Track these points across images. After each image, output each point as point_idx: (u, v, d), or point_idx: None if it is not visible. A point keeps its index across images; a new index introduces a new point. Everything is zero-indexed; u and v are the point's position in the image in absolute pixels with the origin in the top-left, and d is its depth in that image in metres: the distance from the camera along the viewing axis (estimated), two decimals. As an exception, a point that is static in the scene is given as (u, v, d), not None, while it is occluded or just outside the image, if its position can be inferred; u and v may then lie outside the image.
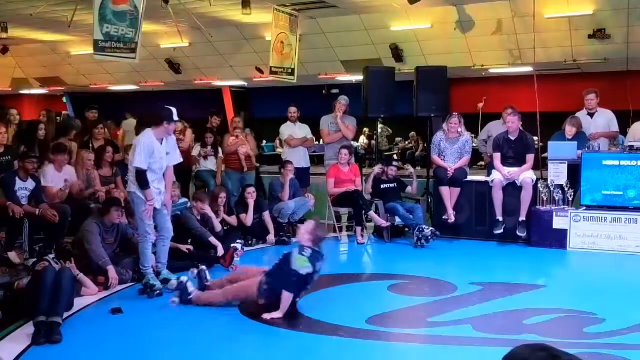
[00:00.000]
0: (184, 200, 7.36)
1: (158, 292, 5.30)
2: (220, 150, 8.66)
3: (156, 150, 5.31)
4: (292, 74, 11.08)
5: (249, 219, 7.38)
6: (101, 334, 4.45)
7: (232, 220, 7.31)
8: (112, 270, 5.51)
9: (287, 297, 4.65)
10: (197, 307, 5.09)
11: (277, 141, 16.90)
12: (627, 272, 6.24)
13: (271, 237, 7.50)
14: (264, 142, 18.22)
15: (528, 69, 12.23)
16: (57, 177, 6.81)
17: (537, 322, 4.61)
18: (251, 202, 7.39)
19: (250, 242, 7.35)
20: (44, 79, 18.65)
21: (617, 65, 12.74)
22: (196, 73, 16.50)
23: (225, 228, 7.09)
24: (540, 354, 1.09)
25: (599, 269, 6.46)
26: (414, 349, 4.22)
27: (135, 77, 17.29)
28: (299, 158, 8.68)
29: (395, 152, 18.16)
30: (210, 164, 8.60)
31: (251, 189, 7.52)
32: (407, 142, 18.64)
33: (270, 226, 7.56)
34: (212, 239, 6.36)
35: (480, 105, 10.64)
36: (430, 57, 12.67)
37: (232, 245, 6.35)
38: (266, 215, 7.58)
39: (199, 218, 6.57)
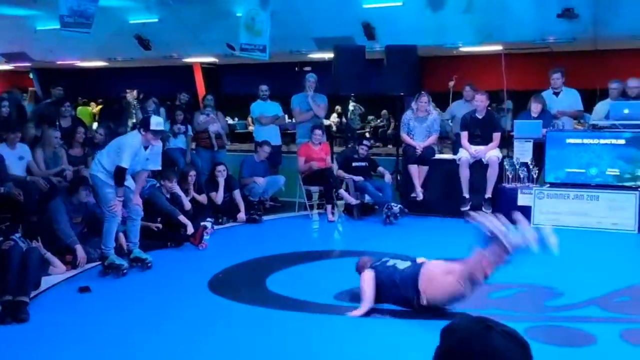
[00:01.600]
0: (153, 181, 7.33)
1: (124, 271, 5.31)
2: (190, 128, 8.61)
3: (138, 155, 5.35)
4: (264, 50, 10.98)
5: (219, 197, 7.39)
6: (69, 313, 4.46)
7: (202, 198, 7.31)
8: (80, 249, 5.50)
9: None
10: (165, 285, 5.13)
11: (249, 119, 16.82)
12: (588, 248, 6.42)
13: (242, 215, 7.52)
14: (236, 119, 18.11)
15: (498, 48, 12.31)
16: (11, 155, 6.72)
17: (500, 297, 4.74)
18: (221, 181, 7.39)
19: (220, 221, 7.37)
20: (9, 54, 18.15)
21: (584, 45, 12.90)
22: (166, 49, 16.23)
23: (196, 206, 7.08)
24: (476, 325, 1.15)
25: (561, 245, 6.61)
26: (379, 323, 4.31)
27: (104, 53, 16.93)
28: (271, 136, 8.68)
29: (368, 130, 18.22)
30: (179, 142, 8.55)
31: (221, 167, 7.52)
32: (379, 121, 18.70)
33: (241, 204, 7.58)
34: (182, 218, 6.37)
35: (451, 83, 10.69)
36: (402, 36, 12.64)
37: (202, 223, 6.37)
38: (236, 193, 7.60)
39: (168, 197, 6.56)
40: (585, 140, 7.25)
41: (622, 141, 7.06)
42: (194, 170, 7.35)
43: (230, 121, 16.65)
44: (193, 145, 8.85)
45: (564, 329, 4.07)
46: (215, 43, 14.86)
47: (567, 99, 8.07)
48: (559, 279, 5.07)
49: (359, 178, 7.90)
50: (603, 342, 3.81)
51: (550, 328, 4.10)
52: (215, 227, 7.01)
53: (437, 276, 4.17)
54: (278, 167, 8.85)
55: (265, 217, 7.85)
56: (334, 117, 18.26)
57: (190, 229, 6.31)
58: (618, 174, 7.07)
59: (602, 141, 7.15)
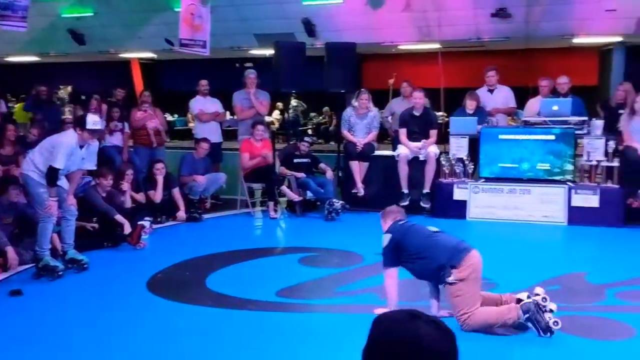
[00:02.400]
0: (88, 178, 7.12)
1: (60, 273, 5.15)
2: (126, 125, 8.41)
3: (74, 154, 5.19)
4: (204, 46, 10.84)
5: (157, 195, 7.26)
6: (-1, 317, 4.29)
7: (140, 197, 7.16)
8: (11, 251, 5.30)
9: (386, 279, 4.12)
10: (102, 287, 5.01)
11: (189, 115, 16.57)
12: (520, 240, 6.68)
13: (181, 214, 7.41)
14: (175, 116, 17.79)
15: (435, 46, 12.60)
16: None
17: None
18: (160, 178, 7.26)
19: (159, 220, 7.24)
20: None
21: (517, 44, 13.36)
22: (102, 44, 15.77)
23: (133, 205, 6.94)
24: (402, 315, 1.20)
25: (495, 237, 6.86)
26: (321, 318, 4.35)
27: (35, 48, 16.29)
28: (211, 133, 8.58)
29: (310, 127, 18.28)
30: (116, 140, 8.33)
31: (160, 165, 7.38)
32: (320, 118, 18.79)
33: (181, 203, 7.47)
34: (118, 217, 6.21)
35: (391, 81, 10.86)
36: (343, 33, 12.75)
37: (140, 222, 6.25)
38: (176, 191, 7.48)
39: (104, 195, 6.39)
40: (518, 136, 7.53)
41: (552, 137, 7.36)
42: (132, 168, 7.18)
43: (169, 118, 16.34)
44: (131, 143, 8.64)
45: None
46: (153, 38, 14.57)
47: (501, 96, 8.34)
48: (493, 270, 5.20)
49: (301, 175, 7.93)
50: (533, 331, 3.96)
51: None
52: (154, 226, 6.89)
53: (478, 279, 3.90)
54: (219, 164, 8.77)
55: (206, 216, 7.77)
56: (275, 114, 18.22)
57: (127, 229, 6.17)
58: (548, 168, 7.38)
59: (534, 137, 7.44)
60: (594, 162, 7.20)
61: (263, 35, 13.72)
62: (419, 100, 7.77)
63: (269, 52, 13.64)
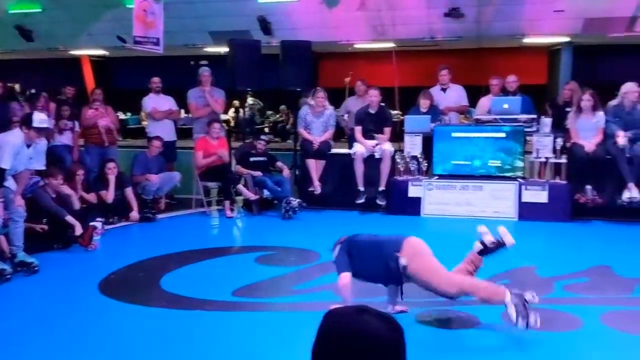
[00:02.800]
0: (36, 178, 6.91)
1: (7, 276, 4.99)
2: (77, 123, 8.20)
3: (21, 154, 5.04)
4: (157, 43, 10.66)
5: (109, 195, 7.11)
6: (-59, 324, 4.12)
7: (91, 197, 7.00)
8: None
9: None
10: (53, 290, 4.89)
11: (143, 113, 16.29)
12: (473, 235, 6.80)
13: (134, 214, 7.28)
14: (128, 114, 17.46)
15: (390, 45, 12.75)
16: None
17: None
18: (112, 178, 7.12)
19: (111, 220, 7.10)
20: None
21: (470, 43, 13.64)
22: (51, 41, 15.35)
23: (84, 206, 6.78)
24: (351, 309, 1.21)
25: (448, 233, 6.98)
26: (277, 317, 4.35)
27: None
28: (165, 131, 8.46)
29: (267, 125, 18.23)
30: (65, 139, 8.11)
31: (112, 164, 7.23)
32: (278, 116, 18.76)
33: (134, 203, 7.33)
34: (69, 218, 6.05)
35: (347, 79, 10.93)
36: (299, 31, 12.76)
37: (91, 223, 6.11)
38: (129, 191, 7.33)
39: (53, 196, 6.22)
40: (470, 134, 7.69)
41: (503, 134, 7.55)
42: (82, 167, 7.02)
43: (122, 116, 16.03)
44: (81, 142, 8.44)
45: (451, 312, 4.30)
46: (104, 35, 14.27)
47: (454, 95, 8.50)
48: (446, 266, 5.31)
49: (258, 173, 7.90)
50: (485, 324, 4.06)
51: (437, 312, 4.31)
52: (106, 227, 6.75)
53: (425, 252, 4.04)
54: (173, 163, 8.65)
55: (160, 216, 7.65)
56: (231, 112, 18.09)
57: (78, 230, 6.01)
58: (499, 165, 7.56)
59: (485, 135, 7.61)
60: (543, 159, 7.41)
61: (218, 33, 13.60)
62: (375, 98, 7.85)
63: (224, 49, 13.56)
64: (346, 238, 4.24)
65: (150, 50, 10.62)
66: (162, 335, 3.93)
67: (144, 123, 14.91)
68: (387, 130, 7.87)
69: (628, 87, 7.11)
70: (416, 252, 3.99)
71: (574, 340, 3.91)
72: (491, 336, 3.90)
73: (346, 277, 4.10)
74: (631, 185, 6.90)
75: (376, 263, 4.06)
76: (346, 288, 4.10)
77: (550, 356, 3.70)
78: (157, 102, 8.61)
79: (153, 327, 4.07)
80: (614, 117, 7.16)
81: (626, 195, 6.93)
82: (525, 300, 3.85)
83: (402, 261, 3.93)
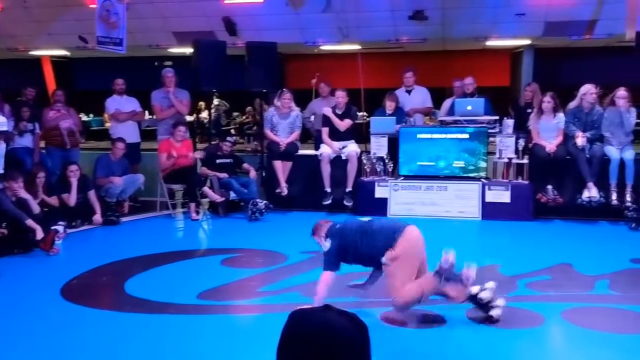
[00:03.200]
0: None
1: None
2: (37, 125, 8.01)
3: None
4: (120, 44, 10.50)
5: (72, 198, 6.97)
6: None
7: (53, 200, 6.85)
8: None
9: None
10: (13, 295, 4.76)
11: (106, 115, 16.02)
12: (437, 234, 6.87)
13: (97, 218, 7.15)
14: (91, 115, 17.15)
15: (356, 47, 12.80)
16: None
17: (356, 284, 4.94)
18: (74, 181, 6.98)
19: (74, 224, 6.96)
20: None
21: (434, 45, 13.79)
22: (10, 41, 14.96)
23: (46, 209, 6.63)
24: (317, 309, 1.22)
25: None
26: (244, 319, 4.34)
27: None
28: (129, 133, 8.34)
29: (233, 126, 18.10)
30: (26, 141, 7.92)
31: (74, 167, 7.10)
32: (244, 117, 18.65)
33: (97, 206, 7.20)
34: (30, 222, 5.90)
35: (314, 81, 10.95)
36: (264, 33, 12.72)
37: (53, 227, 5.98)
38: (91, 194, 7.20)
39: (13, 199, 6.06)
40: (434, 135, 7.78)
41: (466, 135, 7.66)
42: (43, 170, 6.86)
43: (84, 118, 15.72)
44: (42, 144, 8.25)
45: (417, 312, 4.33)
46: (65, 35, 13.96)
47: (419, 97, 8.59)
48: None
49: (224, 175, 7.85)
50: (451, 322, 4.11)
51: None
52: (69, 230, 6.62)
53: (410, 257, 4.00)
54: (137, 165, 8.53)
55: (124, 219, 7.53)
56: (203, 114, 17.91)
57: (39, 234, 5.88)
58: (463, 166, 7.67)
59: (449, 136, 7.71)
60: (506, 160, 7.55)
61: (182, 34, 13.46)
62: (342, 99, 7.89)
63: (189, 50, 13.43)
64: (336, 229, 4.19)
65: (113, 51, 10.46)
66: (127, 340, 3.87)
67: (107, 125, 14.67)
68: (348, 121, 7.89)
69: (586, 89, 7.29)
70: (405, 253, 3.97)
71: (536, 337, 3.99)
72: (455, 334, 3.95)
73: (330, 276, 4.10)
74: (590, 184, 7.08)
75: (367, 253, 4.07)
76: (325, 287, 4.08)
77: (513, 353, 3.77)
78: (120, 103, 8.48)
79: (117, 331, 4.01)
80: (574, 119, 7.33)
81: (586, 195, 7.10)
82: (480, 298, 3.95)
83: (384, 259, 3.97)
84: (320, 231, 4.28)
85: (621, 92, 7.20)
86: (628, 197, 7.08)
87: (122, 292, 4.80)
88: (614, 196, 7.11)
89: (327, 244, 4.14)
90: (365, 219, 4.28)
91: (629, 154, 7.15)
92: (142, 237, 6.87)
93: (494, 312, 4.00)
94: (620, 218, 7.08)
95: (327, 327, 1.18)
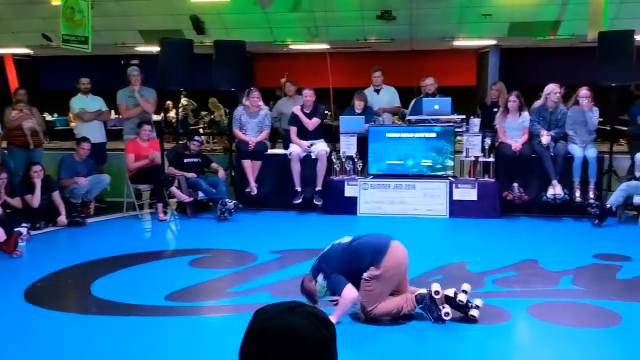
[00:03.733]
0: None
1: None
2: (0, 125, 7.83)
3: None
4: (85, 42, 10.31)
5: (35, 199, 6.82)
6: None
7: (16, 202, 6.69)
8: None
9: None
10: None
11: (71, 115, 15.73)
12: (407, 233, 6.93)
13: (62, 219, 7.00)
14: (55, 115, 16.81)
15: (325, 47, 12.81)
16: None
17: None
18: (37, 182, 6.83)
19: (38, 225, 6.81)
20: None
21: (402, 45, 13.90)
22: (-30, 38, 14.57)
23: (9, 211, 6.47)
24: (279, 307, 1.21)
25: (383, 232, 7.08)
26: (212, 320, 4.30)
27: None
28: (94, 132, 8.20)
29: (201, 126, 17.93)
30: (-13, 142, 7.74)
31: (37, 167, 6.94)
32: (212, 116, 18.50)
33: (61, 207, 7.05)
34: (-9, 224, 5.77)
35: (283, 80, 10.93)
36: (233, 31, 12.64)
37: (16, 229, 5.84)
38: (56, 195, 7.05)
39: (-26, 201, 5.91)
40: (403, 134, 7.84)
41: (434, 134, 7.74)
42: (5, 171, 6.69)
43: (48, 117, 15.41)
44: (4, 144, 8.06)
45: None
46: (28, 33, 13.66)
47: (387, 96, 8.63)
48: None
49: (192, 175, 7.77)
50: (417, 320, 4.14)
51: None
52: (32, 232, 6.46)
53: (390, 279, 4.00)
54: (103, 165, 8.38)
55: (89, 220, 7.39)
56: (171, 114, 17.68)
57: (1, 236, 5.73)
58: (431, 164, 7.74)
59: (417, 135, 7.78)
60: (472, 158, 7.65)
61: (149, 32, 13.30)
62: (309, 97, 7.89)
63: (156, 49, 13.27)
64: (318, 266, 4.07)
65: (78, 50, 10.27)
66: (94, 343, 3.80)
67: (72, 124, 14.40)
68: (316, 119, 7.90)
69: (551, 88, 7.43)
70: (385, 276, 3.94)
71: (503, 332, 4.05)
72: (422, 331, 3.98)
73: (352, 290, 3.95)
74: (555, 182, 7.23)
75: (355, 274, 4.01)
76: (350, 301, 3.97)
77: (481, 348, 3.82)
78: (85, 102, 8.34)
79: (84, 334, 3.94)
80: (538, 117, 7.47)
81: (550, 192, 7.25)
82: (432, 296, 4.00)
83: (366, 275, 3.96)
84: (313, 288, 4.11)
85: (584, 91, 7.38)
86: (591, 194, 7.26)
87: (88, 294, 4.71)
88: (577, 193, 7.28)
89: (323, 283, 4.04)
90: (347, 239, 4.16)
91: (592, 152, 7.33)
92: (109, 239, 6.76)
93: (474, 312, 4.05)
94: (583, 215, 7.23)
95: (290, 326, 1.17)
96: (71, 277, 5.21)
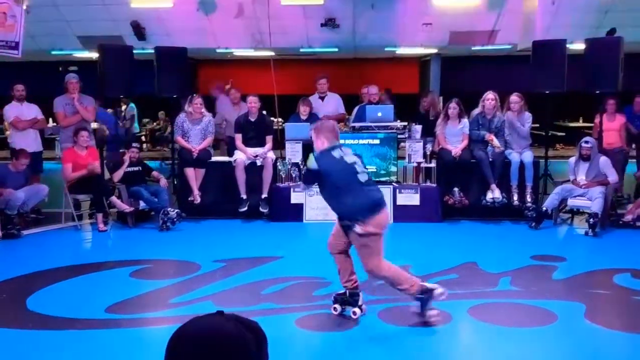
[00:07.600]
0: None
1: None
2: None
3: None
4: (15, 48, 9.95)
5: (-33, 211, 6.52)
6: None
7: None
8: None
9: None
10: None
11: (5, 123, 15.12)
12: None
13: (-4, 231, 6.73)
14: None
15: (270, 54, 12.81)
16: None
17: (273, 291, 4.94)
18: (-32, 193, 6.53)
19: (-30, 238, 6.52)
20: None
21: (346, 53, 14.06)
22: None
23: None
24: (207, 315, 1.21)
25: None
26: (154, 332, 4.20)
27: None
28: (30, 142, 7.91)
29: (144, 133, 17.58)
30: None
31: (-32, 178, 6.64)
32: (155, 123, 18.18)
33: (-5, 219, 6.78)
34: None
35: (228, 87, 10.86)
36: (175, 37, 12.48)
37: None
38: (-11, 206, 6.77)
39: None
40: (347, 141, 7.87)
41: (377, 141, 7.84)
42: None
43: (-19, 126, 14.73)
44: None
45: (330, 315, 4.38)
46: (-42, 37, 13.08)
47: (332, 103, 8.70)
48: (326, 269, 5.39)
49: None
50: (364, 324, 4.19)
51: (318, 315, 4.39)
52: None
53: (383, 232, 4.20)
54: (40, 175, 8.09)
55: (25, 232, 7.12)
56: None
57: None
58: (375, 170, 7.83)
59: (361, 141, 7.86)
60: (415, 164, 7.79)
61: (88, 38, 12.96)
62: (254, 104, 7.85)
63: (95, 55, 12.94)
64: (331, 157, 4.22)
65: (7, 55, 9.90)
66: (31, 359, 3.65)
67: (7, 133, 13.84)
68: (269, 138, 7.90)
69: (488, 96, 7.67)
70: (378, 231, 4.14)
71: (444, 334, 4.13)
72: (366, 333, 4.02)
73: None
74: (493, 186, 7.45)
75: (340, 206, 4.26)
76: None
77: (421, 351, 3.89)
78: (20, 110, 8.03)
79: (20, 351, 3.79)
80: (477, 124, 7.69)
81: (489, 196, 7.47)
82: (434, 295, 4.23)
83: (359, 230, 4.11)
84: (322, 136, 4.36)
85: (513, 97, 7.72)
86: (528, 198, 7.52)
87: (24, 308, 4.54)
88: (515, 197, 7.52)
89: (311, 162, 4.24)
90: (362, 178, 4.31)
91: (528, 157, 7.60)
92: (46, 251, 6.51)
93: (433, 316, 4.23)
94: (521, 218, 7.48)
95: (213, 328, 1.18)
96: (6, 291, 5.01)
